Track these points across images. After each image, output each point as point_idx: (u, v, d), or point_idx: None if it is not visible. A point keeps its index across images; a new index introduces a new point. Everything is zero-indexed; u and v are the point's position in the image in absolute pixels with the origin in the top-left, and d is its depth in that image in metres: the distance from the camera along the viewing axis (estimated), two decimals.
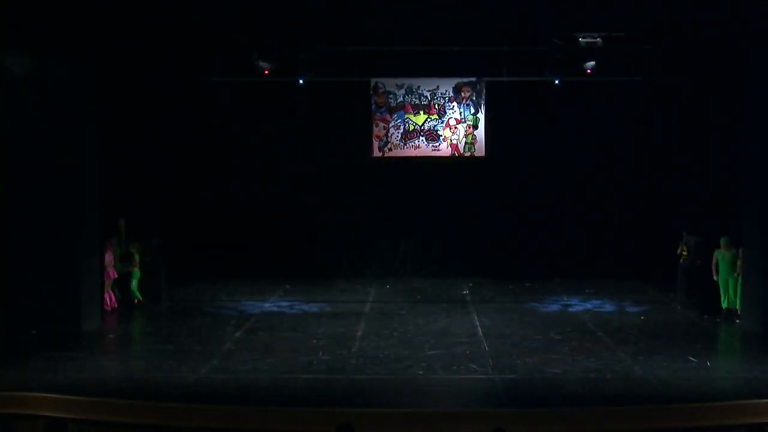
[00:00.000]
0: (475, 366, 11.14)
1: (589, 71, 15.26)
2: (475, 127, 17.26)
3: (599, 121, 17.93)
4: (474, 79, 17.15)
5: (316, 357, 11.66)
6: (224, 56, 16.44)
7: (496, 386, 10.32)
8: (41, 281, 12.85)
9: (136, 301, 15.09)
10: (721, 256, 13.93)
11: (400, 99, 17.27)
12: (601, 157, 18.01)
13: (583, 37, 14.50)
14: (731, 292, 13.84)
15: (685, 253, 15.19)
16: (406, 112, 17.31)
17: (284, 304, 15.57)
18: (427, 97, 17.29)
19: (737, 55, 13.80)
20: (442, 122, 17.32)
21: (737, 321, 13.65)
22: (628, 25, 14.37)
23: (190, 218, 17.68)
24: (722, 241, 13.88)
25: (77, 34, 12.77)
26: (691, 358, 11.36)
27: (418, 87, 17.27)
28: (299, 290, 16.70)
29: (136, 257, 15.17)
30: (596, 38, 14.43)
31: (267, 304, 15.46)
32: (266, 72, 15.44)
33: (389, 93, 17.25)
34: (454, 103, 17.27)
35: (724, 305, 13.94)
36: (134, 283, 15.14)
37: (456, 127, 17.32)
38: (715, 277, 14.08)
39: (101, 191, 13.94)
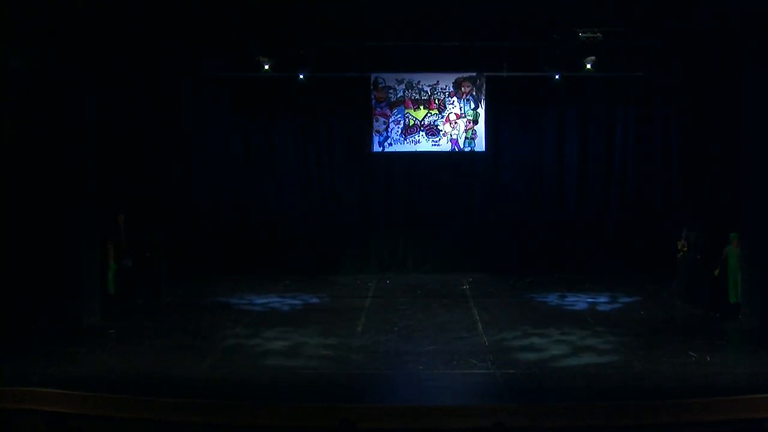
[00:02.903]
0: (475, 361, 11.15)
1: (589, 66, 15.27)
2: (475, 122, 17.26)
3: (599, 116, 17.93)
4: (474, 74, 17.13)
5: (317, 352, 11.68)
6: (224, 51, 16.42)
7: (497, 381, 10.33)
8: (41, 277, 12.84)
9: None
10: (731, 251, 13.91)
11: (400, 94, 17.26)
12: (601, 152, 17.99)
13: (583, 32, 14.47)
14: (740, 287, 13.82)
15: (685, 248, 15.18)
16: (406, 107, 17.30)
17: (284, 299, 15.57)
18: (427, 92, 17.28)
19: (737, 49, 13.78)
20: (442, 117, 17.31)
21: (738, 316, 13.64)
22: (629, 19, 14.35)
23: (190, 214, 17.68)
24: (733, 238, 13.85)
25: (77, 30, 12.75)
26: (691, 353, 11.37)
27: (418, 82, 17.26)
28: (299, 285, 16.70)
29: (111, 252, 15.13)
30: (596, 33, 14.41)
31: (267, 300, 15.46)
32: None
33: (389, 88, 17.25)
34: (454, 98, 17.26)
35: (733, 300, 13.93)
36: (109, 276, 15.14)
37: (456, 122, 17.31)
38: (716, 272, 14.07)
39: (101, 187, 13.93)
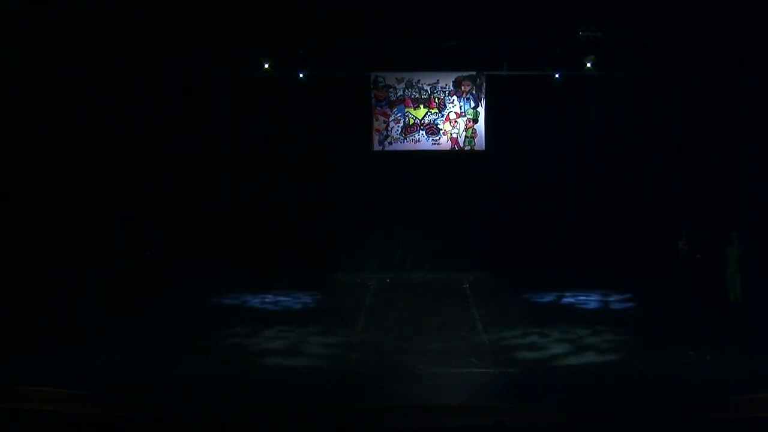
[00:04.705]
0: (475, 360, 11.16)
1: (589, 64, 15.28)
2: (475, 121, 17.27)
3: (599, 115, 17.92)
4: (474, 73, 17.16)
5: (317, 351, 11.69)
6: (224, 51, 16.43)
7: (496, 380, 10.34)
8: (42, 275, 12.84)
9: None
10: (731, 250, 13.94)
11: (400, 93, 17.28)
12: (602, 151, 17.97)
13: (583, 31, 14.48)
14: (738, 286, 13.83)
15: (685, 247, 15.19)
16: (406, 106, 17.32)
17: (284, 298, 15.58)
18: (427, 91, 17.30)
19: (737, 48, 13.78)
20: (442, 116, 17.33)
21: (738, 314, 13.65)
22: (629, 18, 14.36)
23: (189, 213, 17.67)
24: (734, 237, 13.88)
25: (77, 30, 12.74)
26: (691, 353, 11.37)
27: (418, 81, 17.28)
28: (299, 285, 16.69)
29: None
30: (596, 32, 14.42)
31: (267, 299, 15.47)
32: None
33: (389, 87, 17.27)
34: (454, 97, 17.28)
35: (733, 299, 13.95)
36: None
37: (456, 121, 17.32)
38: (729, 270, 14.09)
39: (100, 187, 13.94)
